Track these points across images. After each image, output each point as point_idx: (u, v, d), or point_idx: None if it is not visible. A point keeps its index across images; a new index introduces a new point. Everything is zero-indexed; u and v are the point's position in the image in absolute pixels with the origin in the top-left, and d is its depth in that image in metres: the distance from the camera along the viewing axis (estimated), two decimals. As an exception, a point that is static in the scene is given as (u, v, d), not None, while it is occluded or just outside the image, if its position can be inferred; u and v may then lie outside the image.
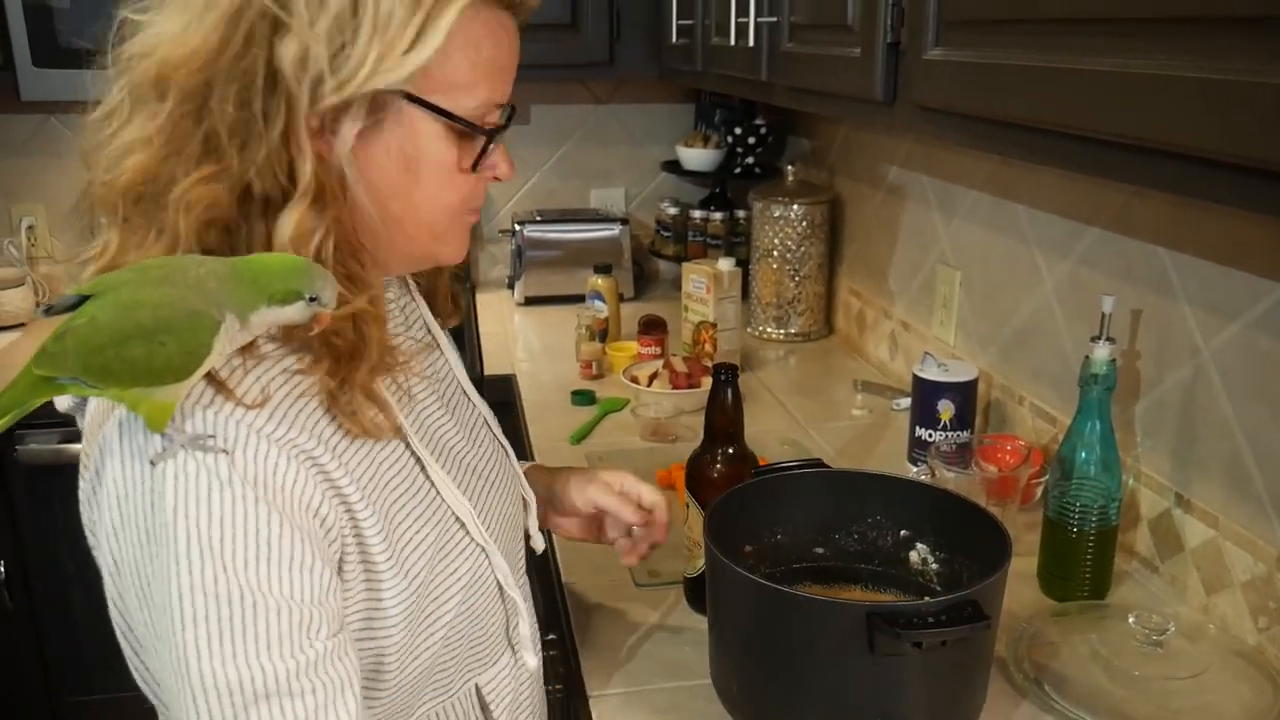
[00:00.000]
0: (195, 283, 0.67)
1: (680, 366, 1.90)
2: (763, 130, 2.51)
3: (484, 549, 0.88)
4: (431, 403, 0.92)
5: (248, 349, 0.74)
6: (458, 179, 0.83)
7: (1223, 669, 1.09)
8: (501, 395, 2.13)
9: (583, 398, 1.91)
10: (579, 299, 2.30)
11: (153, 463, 0.69)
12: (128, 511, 0.71)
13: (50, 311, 0.68)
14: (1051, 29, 0.82)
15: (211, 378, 0.72)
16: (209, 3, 0.73)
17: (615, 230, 2.57)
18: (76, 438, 1.40)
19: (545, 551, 1.41)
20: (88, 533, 0.77)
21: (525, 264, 2.55)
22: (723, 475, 1.15)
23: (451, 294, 1.02)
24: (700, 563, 1.16)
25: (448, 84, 0.78)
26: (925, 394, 1.56)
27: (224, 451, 0.70)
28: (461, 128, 0.80)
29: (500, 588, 0.91)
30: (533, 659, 0.96)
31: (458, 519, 0.87)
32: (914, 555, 1.09)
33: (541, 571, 1.54)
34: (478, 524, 0.88)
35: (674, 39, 2.08)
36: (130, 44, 0.75)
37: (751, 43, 1.53)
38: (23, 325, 2.44)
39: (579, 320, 2.13)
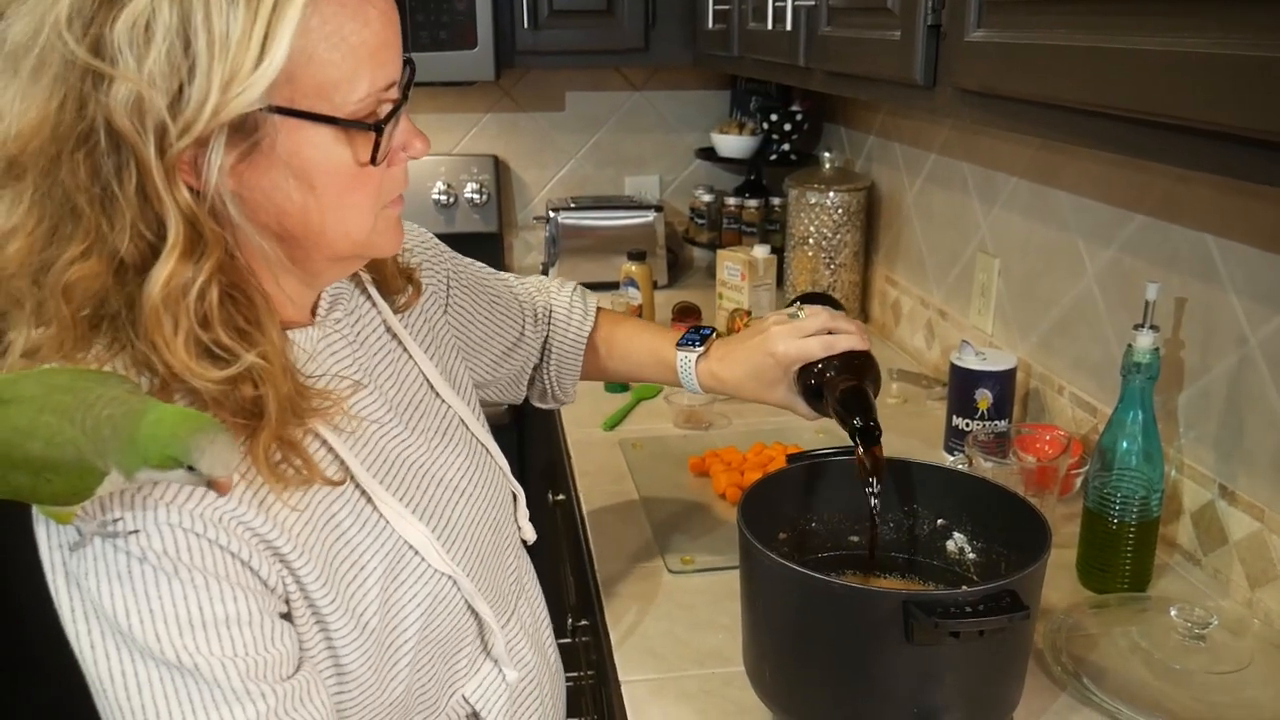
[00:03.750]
0: (92, 428, 0.64)
1: (714, 354, 1.89)
2: (799, 117, 2.49)
3: (448, 575, 0.86)
4: (385, 417, 0.88)
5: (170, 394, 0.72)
6: (362, 177, 0.76)
7: (1266, 663, 1.07)
8: (535, 382, 2.14)
9: (616, 385, 1.90)
10: (613, 286, 2.30)
11: (70, 549, 0.70)
12: (63, 595, 0.71)
13: None
14: (1098, 8, 0.80)
15: None
16: (36, 69, 0.67)
17: (649, 217, 2.56)
18: None
19: (578, 538, 1.42)
20: None
21: (559, 251, 2.55)
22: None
23: (403, 270, 0.96)
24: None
25: (321, 85, 0.71)
26: (963, 383, 1.54)
27: (134, 532, 0.69)
28: (350, 128, 0.74)
29: (470, 606, 0.89)
30: (512, 671, 0.93)
31: (413, 548, 0.84)
32: (951, 544, 1.07)
33: (574, 558, 1.54)
34: (436, 548, 0.85)
35: (710, 24, 2.07)
36: None
37: (789, 27, 1.52)
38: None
39: (613, 307, 2.13)
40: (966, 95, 1.03)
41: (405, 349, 0.94)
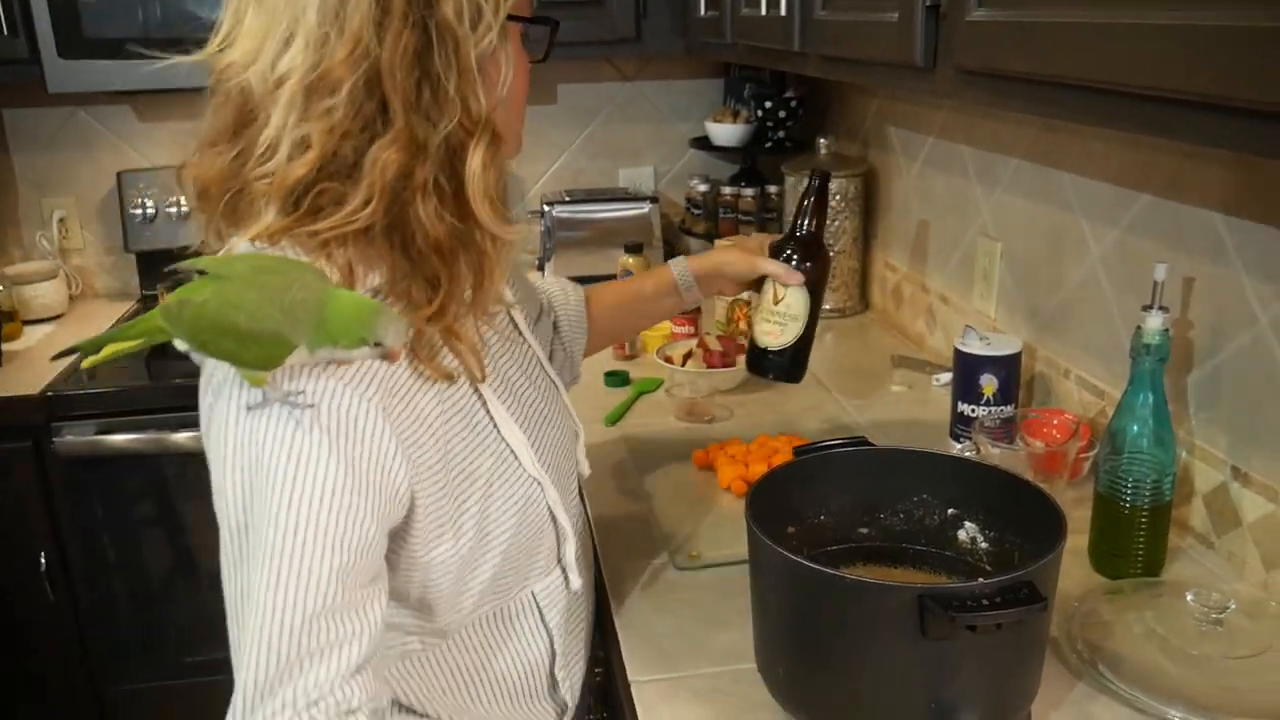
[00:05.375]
0: (288, 309, 0.75)
1: (714, 345, 1.87)
2: (793, 103, 2.47)
3: (536, 479, 0.97)
4: (495, 341, 1.01)
5: None
6: (528, 78, 0.95)
7: (1286, 647, 1.05)
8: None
9: (616, 379, 1.88)
10: (610, 278, 2.27)
11: (249, 408, 0.79)
12: (229, 448, 0.80)
13: (172, 272, 0.82)
14: (1104, -17, 0.78)
15: None
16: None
17: (645, 209, 2.54)
18: (112, 429, 1.50)
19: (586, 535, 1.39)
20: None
21: (555, 245, 2.53)
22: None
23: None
24: (783, 337, 1.36)
25: None
26: (967, 368, 1.52)
27: (310, 406, 0.78)
28: (526, 28, 0.92)
29: (551, 513, 0.99)
30: (577, 579, 1.04)
31: (513, 452, 0.95)
32: (962, 534, 1.05)
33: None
34: (531, 456, 0.97)
35: (702, 11, 2.05)
36: (272, 66, 0.81)
37: (783, 11, 1.50)
38: (57, 317, 2.45)
39: (611, 301, 2.11)
40: (968, 76, 1.01)
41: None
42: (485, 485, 0.92)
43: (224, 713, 0.78)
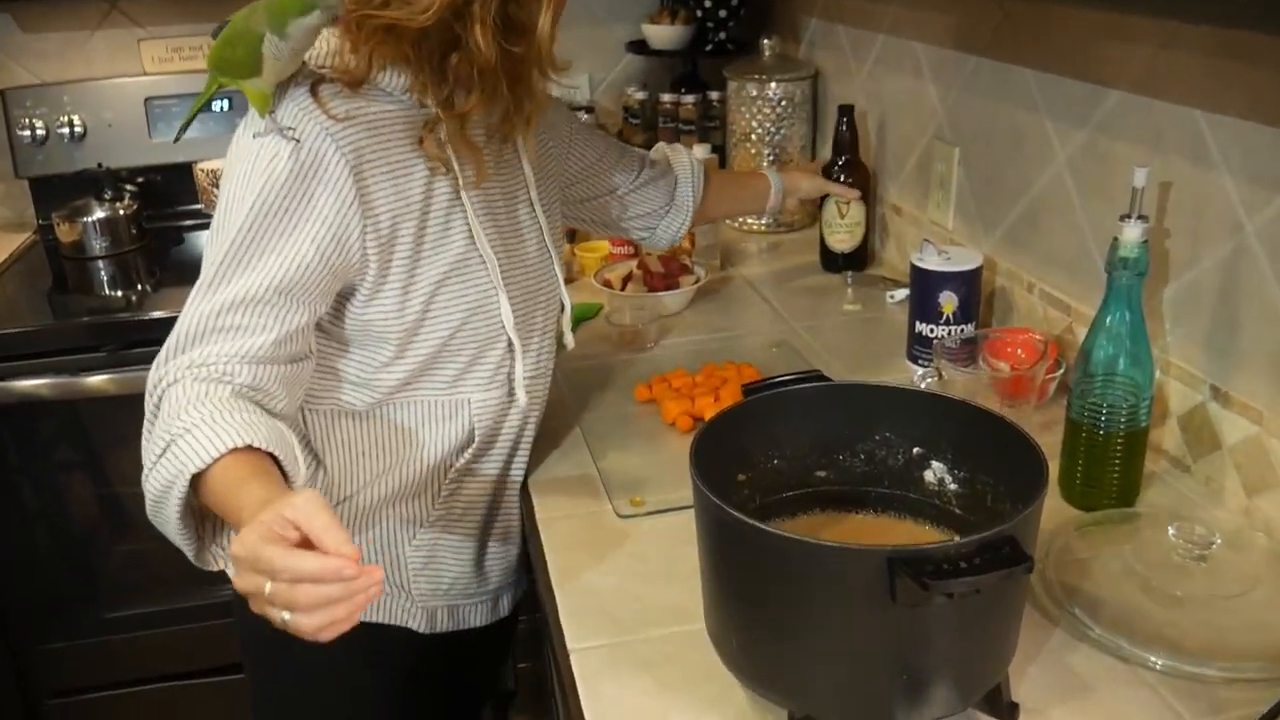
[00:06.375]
0: (255, 15, 0.97)
1: (655, 266, 1.74)
2: (735, 2, 2.31)
3: (495, 288, 1.12)
4: (493, 179, 1.13)
5: (360, 87, 1.02)
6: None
7: (1275, 582, 0.98)
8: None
9: (552, 305, 1.75)
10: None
11: (255, 135, 1.00)
12: (232, 158, 1.02)
13: (214, 33, 1.03)
14: None
15: (317, 96, 1.00)
16: None
17: (581, 119, 2.38)
18: (15, 374, 1.80)
19: (520, 485, 1.28)
20: None
21: (485, 161, 2.37)
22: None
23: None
24: (852, 241, 1.84)
25: None
26: (925, 285, 1.42)
27: (295, 140, 0.98)
28: None
29: (505, 329, 1.13)
30: (523, 396, 1.18)
31: (482, 258, 1.10)
32: (929, 475, 0.96)
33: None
34: (496, 269, 1.11)
35: (633, -99, 1.88)
36: None
37: (720, -106, 1.34)
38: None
39: (545, 220, 1.97)
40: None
41: (522, 159, 1.19)
42: (444, 272, 1.08)
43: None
